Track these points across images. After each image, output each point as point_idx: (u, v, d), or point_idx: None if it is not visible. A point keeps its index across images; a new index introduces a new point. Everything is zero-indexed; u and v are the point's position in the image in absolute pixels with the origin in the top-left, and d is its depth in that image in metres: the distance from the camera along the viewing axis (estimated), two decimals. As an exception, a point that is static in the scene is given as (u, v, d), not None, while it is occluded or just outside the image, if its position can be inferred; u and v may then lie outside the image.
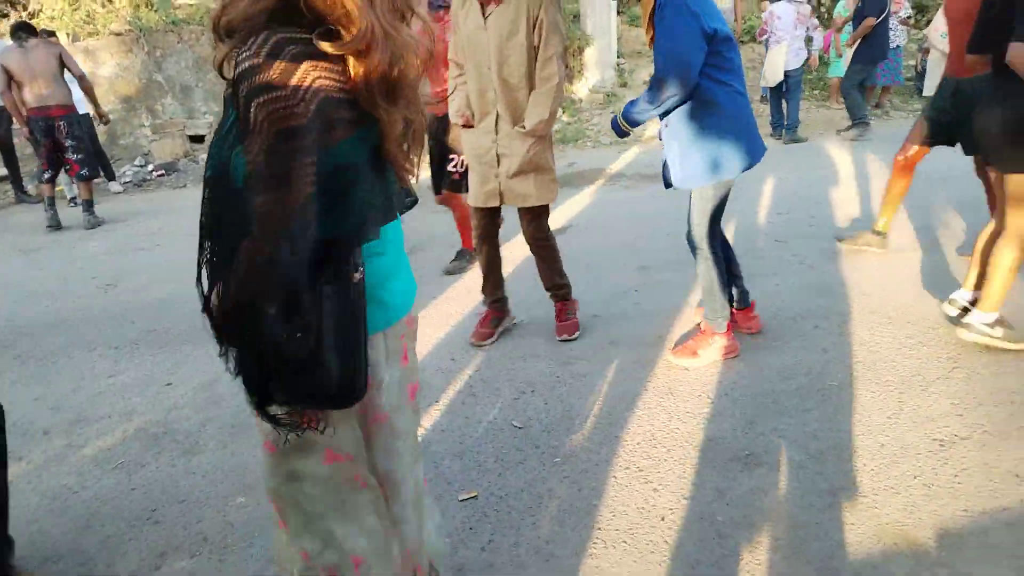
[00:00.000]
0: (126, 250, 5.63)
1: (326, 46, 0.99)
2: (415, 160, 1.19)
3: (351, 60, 1.01)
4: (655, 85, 2.76)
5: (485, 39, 2.94)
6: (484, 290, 3.45)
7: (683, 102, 2.79)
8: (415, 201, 1.31)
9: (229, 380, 3.18)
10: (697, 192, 2.95)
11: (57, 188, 6.70)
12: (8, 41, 6.29)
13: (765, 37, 8.33)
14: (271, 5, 1.02)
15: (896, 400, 2.67)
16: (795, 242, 4.56)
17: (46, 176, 6.35)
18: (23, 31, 6.12)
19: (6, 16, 9.48)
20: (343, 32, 1.00)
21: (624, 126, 2.96)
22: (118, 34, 9.10)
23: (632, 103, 2.91)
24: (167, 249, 5.59)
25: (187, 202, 7.36)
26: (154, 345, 3.67)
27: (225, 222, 1.05)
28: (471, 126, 3.14)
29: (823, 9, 11.90)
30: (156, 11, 9.35)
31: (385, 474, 1.30)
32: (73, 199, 7.18)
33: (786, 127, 8.22)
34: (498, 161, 3.09)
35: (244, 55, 0.98)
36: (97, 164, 7.06)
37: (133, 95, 9.21)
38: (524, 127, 3.00)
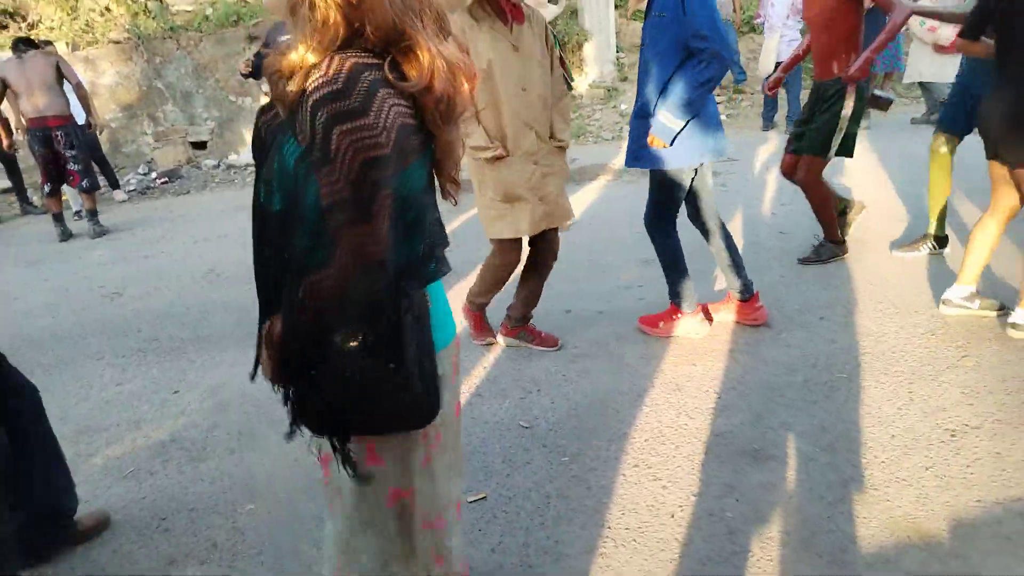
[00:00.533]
0: (131, 258, 5.64)
1: (401, 86, 1.00)
2: (458, 175, 1.21)
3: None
4: (707, 59, 2.78)
5: (519, 60, 2.82)
6: (523, 312, 3.28)
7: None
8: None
9: (236, 386, 3.18)
10: (658, 174, 3.11)
11: (64, 198, 6.71)
12: (7, 54, 6.31)
13: (760, 21, 8.28)
14: (339, 37, 1.02)
15: (906, 390, 2.65)
16: (798, 233, 4.53)
17: (47, 190, 6.36)
18: (23, 44, 6.14)
19: (5, 28, 9.51)
20: (405, 63, 1.02)
21: (675, 123, 2.91)
22: (117, 42, 9.12)
23: (673, 103, 2.89)
24: (171, 256, 5.60)
25: (190, 209, 7.37)
26: (160, 353, 3.68)
27: (299, 254, 1.03)
28: (502, 157, 2.87)
29: None
30: (154, 19, 9.36)
31: (440, 497, 1.29)
32: (78, 212, 7.20)
33: (787, 117, 8.17)
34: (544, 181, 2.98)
35: (317, 80, 0.97)
36: (97, 175, 7.08)
37: (134, 103, 9.22)
38: (563, 141, 3.01)
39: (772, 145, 7.55)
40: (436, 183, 1.20)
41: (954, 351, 2.91)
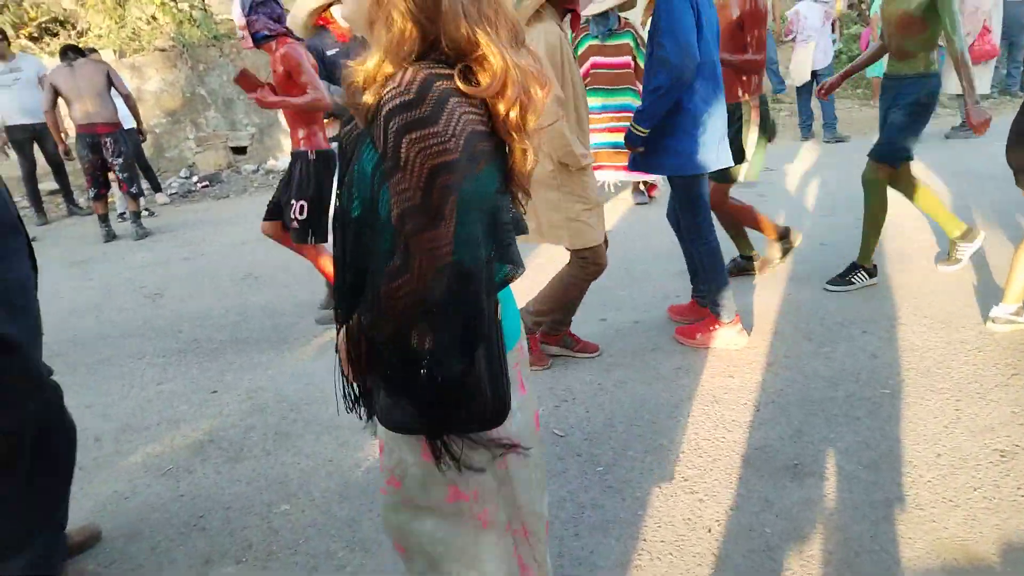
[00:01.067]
0: (172, 260, 5.76)
1: (472, 91, 1.02)
2: (528, 184, 1.22)
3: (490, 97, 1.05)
4: (656, 65, 2.84)
5: (577, 69, 2.85)
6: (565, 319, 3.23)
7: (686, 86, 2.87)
8: (525, 228, 1.32)
9: (273, 389, 3.22)
10: (675, 180, 3.17)
11: (109, 200, 6.88)
12: (57, 62, 6.49)
13: (791, 36, 8.19)
14: (416, 49, 1.04)
15: (952, 408, 2.58)
16: (840, 245, 4.44)
17: (93, 194, 6.52)
18: (72, 51, 6.31)
19: (56, 35, 9.81)
20: (479, 69, 1.04)
21: (639, 130, 2.97)
22: (163, 50, 9.34)
23: (639, 111, 2.99)
24: (211, 259, 5.70)
25: (230, 212, 7.50)
26: (200, 353, 3.74)
27: (376, 259, 1.06)
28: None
29: (863, 6, 11.64)
30: (198, 27, 9.58)
31: (522, 507, 1.29)
32: (122, 213, 7.37)
33: (825, 126, 8.06)
34: None
35: (391, 91, 0.99)
36: (142, 180, 7.24)
37: (178, 109, 9.43)
38: None
39: (811, 155, 7.44)
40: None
41: (1003, 369, 2.82)
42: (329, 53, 4.13)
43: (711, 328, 3.24)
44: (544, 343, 3.23)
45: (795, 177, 6.58)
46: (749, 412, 2.68)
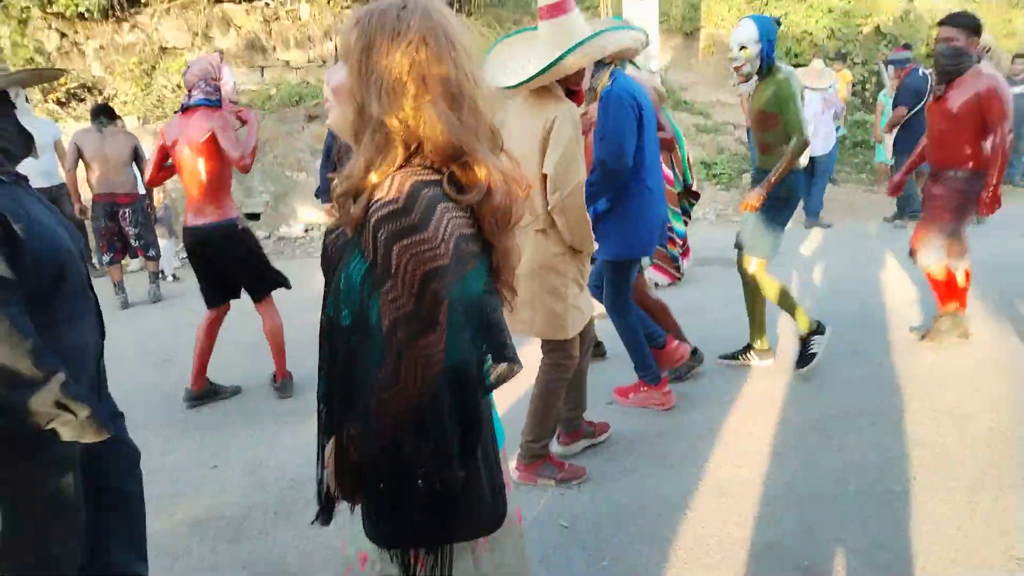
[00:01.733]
0: (180, 326, 5.77)
1: (459, 198, 1.05)
2: (515, 281, 1.25)
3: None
4: (597, 168, 3.05)
5: None
6: (577, 414, 3.14)
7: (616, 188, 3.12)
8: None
9: (274, 464, 3.18)
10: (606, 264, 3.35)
11: (123, 262, 6.95)
12: (81, 126, 6.62)
13: None
14: (401, 157, 1.07)
15: (966, 508, 2.53)
16: (846, 332, 4.43)
17: (108, 259, 6.55)
18: (104, 115, 6.35)
19: (83, 101, 10.13)
20: (464, 175, 1.07)
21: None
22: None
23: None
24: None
25: (240, 278, 7.57)
26: (202, 425, 3.72)
27: (366, 368, 1.06)
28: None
29: (867, 94, 11.97)
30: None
31: None
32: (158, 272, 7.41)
33: (806, 210, 8.08)
34: None
35: (380, 200, 1.02)
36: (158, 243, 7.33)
37: (195, 175, 9.65)
38: None
39: (816, 238, 7.52)
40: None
41: (1016, 467, 2.77)
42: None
43: (641, 390, 3.52)
44: (568, 444, 3.10)
45: (800, 260, 6.63)
46: (758, 506, 2.64)
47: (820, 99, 7.90)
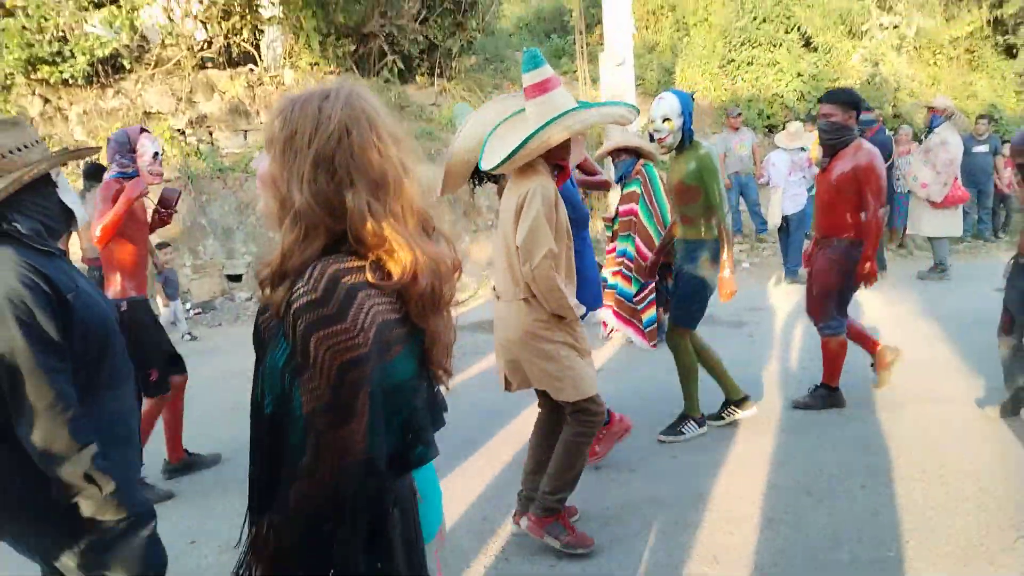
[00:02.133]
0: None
1: (382, 284, 1.05)
2: (449, 363, 1.23)
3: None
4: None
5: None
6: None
7: None
8: (444, 409, 1.31)
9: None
10: None
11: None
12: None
13: (763, 181, 8.59)
14: (323, 244, 1.07)
15: (961, 575, 2.50)
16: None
17: None
18: (93, 179, 6.17)
19: (64, 165, 10.15)
20: (389, 261, 1.06)
21: None
22: (168, 181, 9.65)
23: None
24: (200, 389, 5.61)
25: (221, 342, 7.49)
26: (180, 498, 3.61)
27: (289, 454, 1.05)
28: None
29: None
30: (204, 160, 9.96)
31: None
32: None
33: (785, 267, 8.23)
34: None
35: (301, 289, 1.01)
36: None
37: (177, 237, 9.62)
38: None
39: (798, 296, 7.61)
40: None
41: (1008, 530, 2.76)
42: None
43: (600, 435, 3.43)
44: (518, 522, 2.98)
45: (782, 317, 6.70)
46: (752, 574, 2.59)
47: (789, 160, 8.13)
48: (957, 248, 9.70)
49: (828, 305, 4.03)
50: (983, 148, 10.00)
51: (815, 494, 3.16)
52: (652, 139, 3.82)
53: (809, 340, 5.79)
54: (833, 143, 3.92)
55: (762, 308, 6.92)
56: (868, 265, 3.88)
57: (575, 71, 12.24)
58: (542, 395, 2.95)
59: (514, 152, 2.52)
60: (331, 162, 1.06)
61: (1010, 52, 14.17)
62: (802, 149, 8.40)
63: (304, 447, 1.01)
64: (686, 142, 3.65)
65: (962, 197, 8.07)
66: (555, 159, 2.73)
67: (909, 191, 8.23)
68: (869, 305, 6.87)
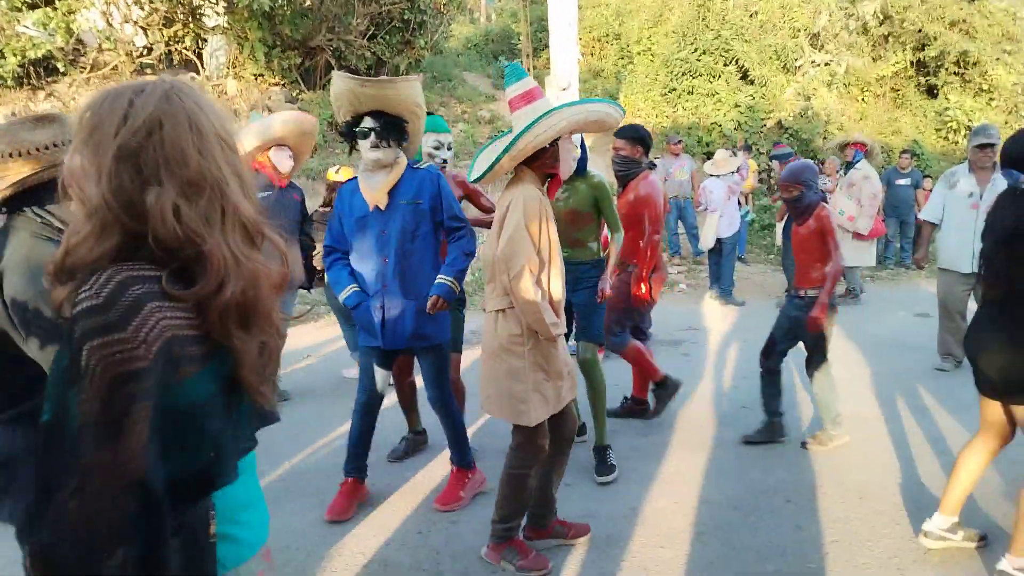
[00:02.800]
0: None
1: (179, 294, 0.98)
2: (272, 380, 1.16)
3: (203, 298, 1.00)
4: (467, 234, 3.28)
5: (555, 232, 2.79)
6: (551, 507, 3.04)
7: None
8: (277, 418, 1.23)
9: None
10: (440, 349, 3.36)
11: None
12: None
13: (701, 208, 8.88)
14: (117, 244, 1.00)
15: (875, 585, 2.62)
16: (760, 409, 4.59)
17: None
18: None
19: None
20: (195, 270, 1.00)
21: (457, 288, 3.22)
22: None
23: (458, 272, 3.22)
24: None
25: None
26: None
27: (59, 474, 0.93)
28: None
29: (772, 181, 12.84)
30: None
31: None
32: None
33: (720, 289, 8.51)
34: None
35: (84, 294, 0.94)
36: None
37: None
38: None
39: (730, 315, 7.84)
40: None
41: (919, 544, 2.90)
42: (260, 195, 4.28)
43: (466, 480, 3.43)
44: (533, 539, 2.95)
45: (717, 336, 6.89)
46: (681, 588, 2.65)
47: (724, 186, 8.43)
48: (880, 275, 10.18)
49: (612, 323, 4.13)
50: (905, 181, 10.55)
51: (742, 508, 3.26)
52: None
53: (742, 359, 5.98)
54: (623, 175, 4.09)
55: (698, 328, 7.11)
56: (643, 287, 4.04)
57: (522, 93, 12.39)
58: None
59: (498, 159, 2.49)
60: (136, 157, 0.99)
61: (931, 92, 15.03)
62: (736, 172, 8.74)
63: (69, 467, 0.91)
64: (579, 170, 3.64)
65: (882, 230, 8.54)
66: (544, 168, 2.64)
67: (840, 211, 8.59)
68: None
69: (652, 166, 4.27)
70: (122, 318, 0.92)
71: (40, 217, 1.79)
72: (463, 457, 3.43)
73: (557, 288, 2.69)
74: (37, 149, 1.80)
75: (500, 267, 2.55)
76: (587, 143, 3.73)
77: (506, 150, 2.49)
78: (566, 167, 2.70)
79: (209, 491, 1.05)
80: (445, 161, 3.66)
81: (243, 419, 1.13)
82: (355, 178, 3.27)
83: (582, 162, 3.66)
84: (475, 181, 2.71)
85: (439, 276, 3.16)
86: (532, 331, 2.60)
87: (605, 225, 3.85)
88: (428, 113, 3.53)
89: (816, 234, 3.77)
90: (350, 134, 3.13)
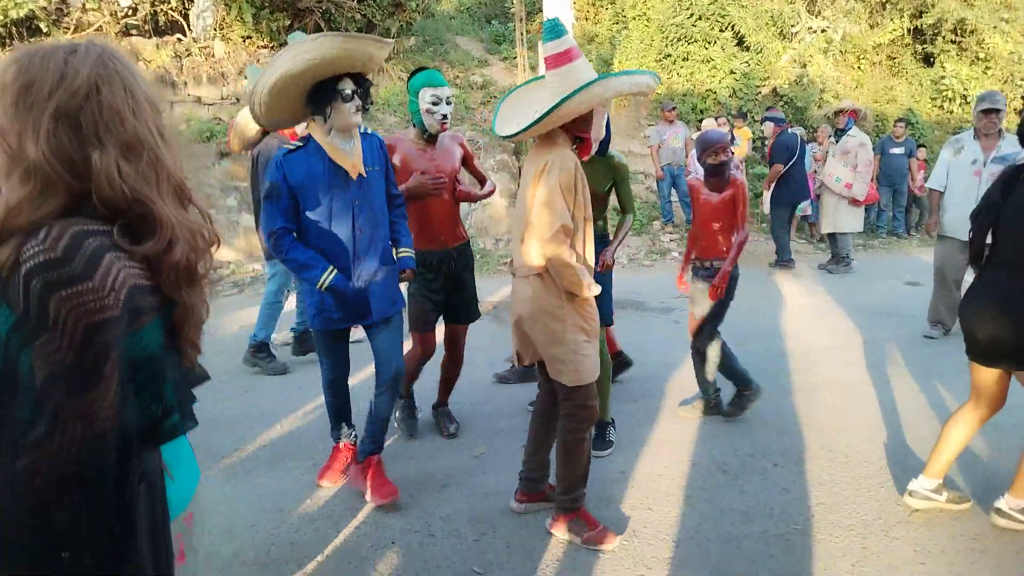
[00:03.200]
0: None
1: (134, 248, 1.00)
2: (200, 339, 1.18)
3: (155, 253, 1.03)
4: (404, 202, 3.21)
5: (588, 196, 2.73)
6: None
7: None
8: (207, 377, 1.26)
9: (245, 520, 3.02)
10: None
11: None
12: None
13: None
14: (63, 203, 1.00)
15: (859, 546, 2.66)
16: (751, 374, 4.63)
17: None
18: None
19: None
20: (141, 227, 1.02)
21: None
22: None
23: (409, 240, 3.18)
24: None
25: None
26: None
27: (12, 429, 0.93)
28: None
29: (765, 149, 12.76)
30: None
31: None
32: None
33: None
34: None
35: (34, 248, 0.93)
36: None
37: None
38: None
39: (723, 285, 7.86)
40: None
41: (904, 505, 2.94)
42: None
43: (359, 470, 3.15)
44: (524, 503, 2.98)
45: (708, 305, 6.91)
46: (668, 549, 2.69)
47: None
48: (872, 244, 10.21)
49: None
50: (899, 150, 10.53)
51: (730, 472, 3.30)
52: None
53: (731, 326, 6.00)
54: None
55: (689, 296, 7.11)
56: None
57: (515, 57, 12.25)
58: (544, 374, 2.84)
59: (538, 120, 2.43)
60: (76, 118, 1.00)
61: (928, 60, 14.91)
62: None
63: (32, 421, 0.91)
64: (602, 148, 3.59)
65: (875, 196, 8.56)
66: (577, 131, 2.61)
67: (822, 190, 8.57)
68: (789, 295, 7.17)
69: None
70: (86, 268, 0.93)
71: None
72: (380, 444, 3.15)
73: (590, 252, 2.69)
74: None
75: (538, 231, 2.52)
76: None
77: (550, 111, 2.41)
78: (597, 133, 2.67)
79: (165, 439, 1.07)
80: (445, 116, 3.36)
81: (187, 373, 1.17)
82: (301, 145, 2.85)
83: (604, 143, 3.57)
84: (507, 138, 2.62)
85: (402, 249, 3.11)
86: (569, 293, 2.59)
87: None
88: (421, 69, 3.44)
89: (730, 203, 3.71)
90: (331, 95, 2.75)
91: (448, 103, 3.37)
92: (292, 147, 2.84)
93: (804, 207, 9.44)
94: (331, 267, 2.85)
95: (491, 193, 3.88)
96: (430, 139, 3.48)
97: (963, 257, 5.24)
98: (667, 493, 3.12)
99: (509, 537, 2.80)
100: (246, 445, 3.71)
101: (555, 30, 2.55)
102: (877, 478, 3.20)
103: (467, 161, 3.70)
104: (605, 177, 3.64)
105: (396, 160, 3.38)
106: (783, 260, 8.47)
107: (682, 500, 3.06)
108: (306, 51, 2.56)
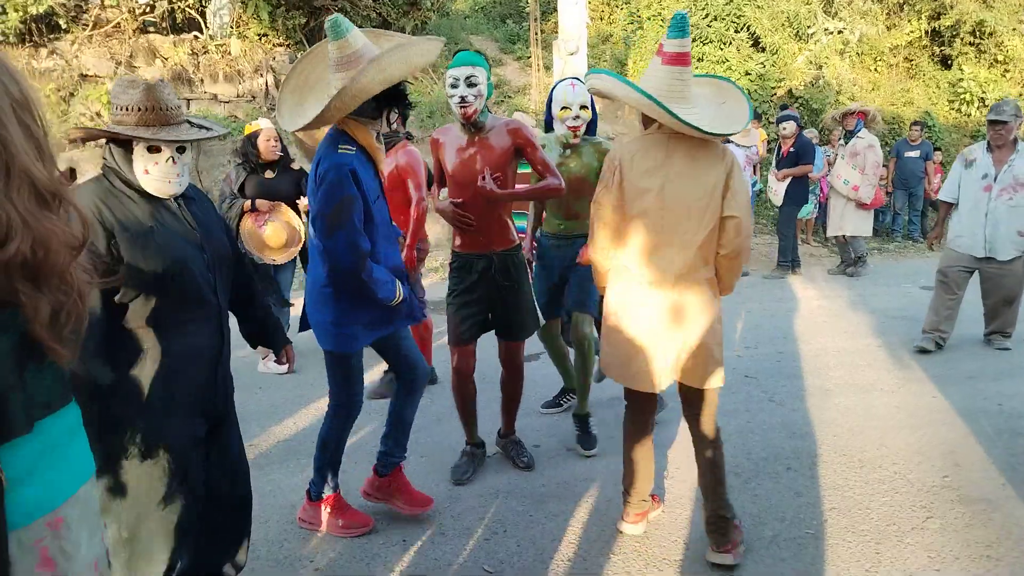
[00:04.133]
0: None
1: None
2: (74, 339, 1.14)
3: None
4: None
5: None
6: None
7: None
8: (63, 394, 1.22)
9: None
10: None
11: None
12: None
13: None
14: None
15: (873, 552, 2.64)
16: (763, 378, 4.62)
17: None
18: None
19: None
20: None
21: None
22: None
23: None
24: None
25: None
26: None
27: None
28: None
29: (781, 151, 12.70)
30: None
31: None
32: None
33: None
34: None
35: None
36: None
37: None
38: None
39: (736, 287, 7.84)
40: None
41: (918, 511, 2.93)
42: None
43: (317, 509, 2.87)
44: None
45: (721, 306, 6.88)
46: (680, 550, 2.68)
47: (743, 156, 8.38)
48: (887, 248, 10.14)
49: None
50: (915, 153, 10.45)
51: (742, 475, 3.29)
52: (549, 126, 3.62)
53: (745, 329, 5.98)
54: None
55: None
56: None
57: (529, 57, 12.24)
58: (645, 395, 2.71)
59: (683, 120, 2.48)
60: None
61: (945, 63, 14.77)
62: (751, 147, 8.69)
63: None
64: (589, 133, 3.56)
65: (881, 199, 8.55)
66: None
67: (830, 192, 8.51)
68: (804, 299, 7.13)
69: (410, 136, 4.25)
70: None
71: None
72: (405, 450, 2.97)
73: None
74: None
75: (738, 229, 2.49)
76: (597, 107, 3.62)
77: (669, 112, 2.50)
78: None
79: (5, 439, 1.05)
80: (464, 99, 3.00)
81: (44, 376, 1.14)
82: (353, 152, 2.56)
83: (592, 123, 3.57)
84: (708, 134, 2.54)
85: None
86: (714, 287, 2.67)
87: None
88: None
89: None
90: (398, 100, 2.62)
91: (470, 84, 3.00)
92: (350, 152, 2.55)
93: (812, 212, 9.43)
94: (396, 279, 2.65)
95: (535, 193, 3.28)
96: (476, 128, 3.10)
97: (965, 269, 5.16)
98: (679, 495, 3.12)
99: (520, 537, 2.80)
100: (258, 441, 3.73)
101: (681, 27, 2.61)
102: (891, 483, 3.18)
103: (524, 152, 3.16)
104: (593, 163, 3.48)
105: (440, 155, 3.21)
106: (787, 261, 8.40)
107: (695, 502, 3.05)
108: (418, 55, 2.61)
